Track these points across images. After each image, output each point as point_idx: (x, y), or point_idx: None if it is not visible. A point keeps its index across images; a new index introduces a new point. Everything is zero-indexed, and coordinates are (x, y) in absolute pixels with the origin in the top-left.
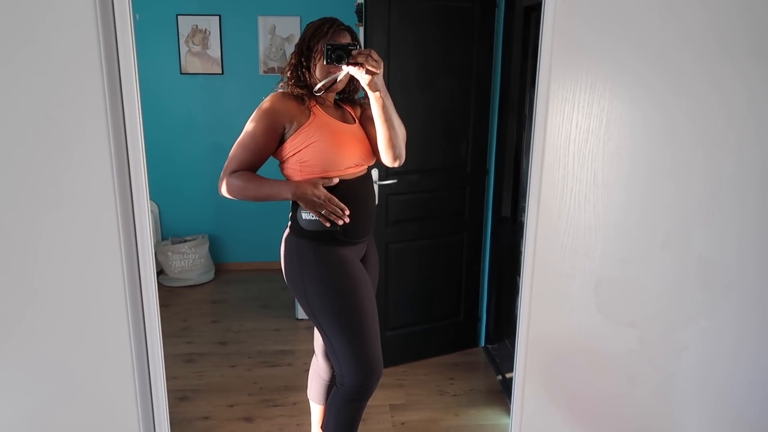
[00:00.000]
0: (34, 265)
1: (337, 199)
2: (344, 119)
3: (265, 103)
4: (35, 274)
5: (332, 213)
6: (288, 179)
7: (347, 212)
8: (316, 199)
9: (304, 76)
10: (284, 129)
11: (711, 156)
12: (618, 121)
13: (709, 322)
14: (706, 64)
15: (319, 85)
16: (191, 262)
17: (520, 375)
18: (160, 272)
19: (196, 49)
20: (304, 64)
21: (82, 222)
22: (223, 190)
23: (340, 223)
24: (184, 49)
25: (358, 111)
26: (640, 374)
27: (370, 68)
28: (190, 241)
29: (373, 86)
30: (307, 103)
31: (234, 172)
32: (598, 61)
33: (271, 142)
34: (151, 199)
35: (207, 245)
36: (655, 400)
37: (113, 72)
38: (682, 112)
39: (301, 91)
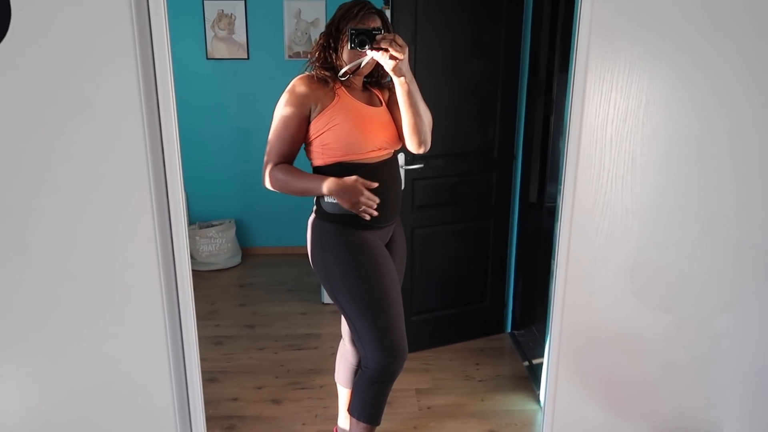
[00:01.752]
0: (70, 251)
1: (374, 195)
2: (371, 102)
3: (291, 87)
4: (70, 259)
5: (367, 208)
6: (312, 162)
7: (377, 202)
8: (352, 196)
9: (331, 57)
10: (310, 111)
11: (754, 139)
12: (657, 102)
13: (747, 309)
14: (741, 46)
15: (343, 70)
16: (218, 246)
17: (553, 359)
18: None
19: (222, 34)
20: (332, 45)
21: (117, 207)
22: (267, 183)
23: (367, 217)
24: (210, 34)
25: (386, 94)
26: (675, 360)
27: (394, 53)
28: (217, 225)
29: (397, 71)
30: (332, 85)
31: (276, 164)
32: (636, 40)
33: (303, 126)
34: None
35: (234, 230)
36: (691, 387)
37: (146, 55)
38: (721, 93)
39: (327, 74)
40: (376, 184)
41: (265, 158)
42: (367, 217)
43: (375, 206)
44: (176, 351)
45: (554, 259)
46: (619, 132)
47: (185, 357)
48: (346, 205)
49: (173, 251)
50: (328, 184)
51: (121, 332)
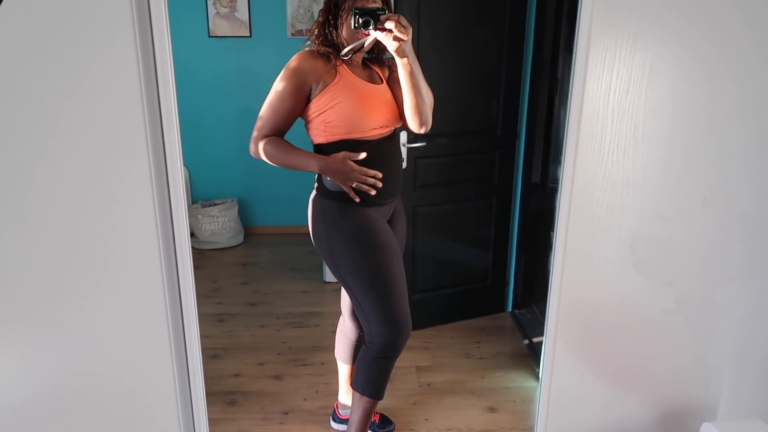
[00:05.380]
0: (68, 221)
1: (366, 168)
2: (372, 80)
3: (291, 63)
4: (68, 229)
5: (363, 183)
6: (313, 140)
7: (379, 176)
8: (344, 174)
9: (332, 35)
10: (311, 89)
11: (758, 109)
12: (661, 72)
13: (749, 282)
14: (751, 13)
15: (345, 50)
16: (221, 225)
17: (551, 333)
18: (190, 235)
19: (224, 11)
20: (332, 22)
21: (117, 177)
22: (254, 153)
23: (372, 193)
24: (212, 11)
25: (386, 72)
26: (675, 335)
27: (397, 34)
28: (219, 204)
29: (400, 52)
30: (333, 62)
31: (266, 136)
32: (641, 8)
33: (299, 102)
34: None
35: (236, 208)
36: (689, 361)
37: (145, 28)
38: (728, 62)
39: (328, 50)
40: (363, 155)
41: (255, 131)
42: (372, 192)
43: (374, 180)
44: (176, 322)
45: (554, 232)
46: (622, 103)
47: (185, 328)
48: (339, 182)
49: (172, 221)
50: (319, 164)
51: (120, 303)
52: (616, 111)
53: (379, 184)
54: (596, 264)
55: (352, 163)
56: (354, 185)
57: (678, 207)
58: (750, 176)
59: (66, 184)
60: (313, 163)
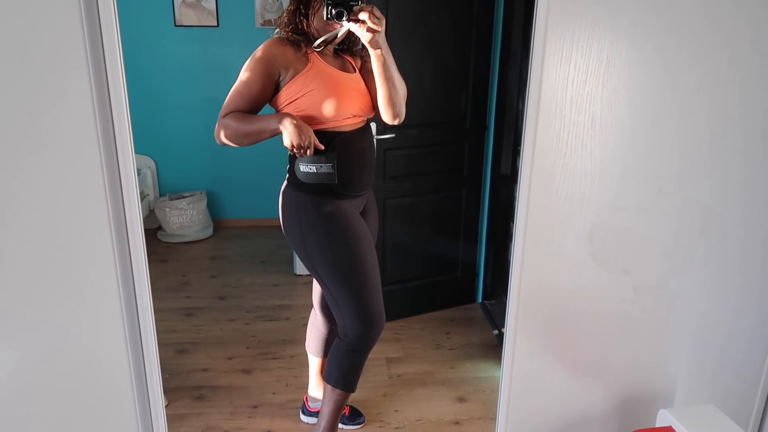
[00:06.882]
0: (16, 212)
1: (311, 151)
2: (344, 68)
3: (261, 49)
4: (17, 221)
5: (299, 154)
6: None
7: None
8: (299, 136)
9: (302, 23)
10: (279, 76)
11: (713, 99)
12: (618, 62)
13: (707, 272)
14: (710, 2)
15: (318, 41)
16: (189, 218)
17: (511, 322)
18: (158, 228)
19: (191, 0)
20: (303, 11)
21: (65, 165)
22: (218, 135)
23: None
24: (178, 0)
25: (359, 62)
26: (633, 323)
27: (371, 26)
28: (188, 197)
29: (374, 44)
30: (304, 49)
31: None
32: None
33: (267, 89)
34: (148, 155)
35: (205, 201)
36: (648, 350)
37: (92, 14)
38: (684, 52)
39: (299, 38)
40: (321, 147)
41: (219, 113)
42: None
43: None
44: (131, 316)
45: (513, 223)
46: (580, 93)
47: (140, 321)
48: (290, 136)
49: (125, 212)
50: (282, 120)
51: (72, 298)
52: (574, 101)
53: (305, 152)
54: (555, 254)
55: (313, 135)
56: (294, 148)
57: (635, 197)
58: (708, 166)
59: (12, 177)
60: (274, 122)
